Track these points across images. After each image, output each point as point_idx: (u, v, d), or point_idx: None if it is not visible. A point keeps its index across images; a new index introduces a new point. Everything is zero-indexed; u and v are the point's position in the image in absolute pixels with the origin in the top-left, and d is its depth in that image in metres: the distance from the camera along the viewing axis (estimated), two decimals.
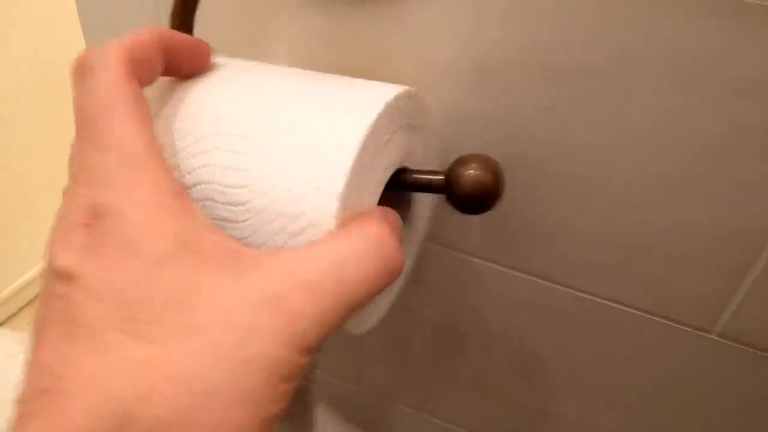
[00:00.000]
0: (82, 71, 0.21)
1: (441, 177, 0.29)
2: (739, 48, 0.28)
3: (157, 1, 0.40)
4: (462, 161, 0.29)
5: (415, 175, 0.30)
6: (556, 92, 0.32)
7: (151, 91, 0.25)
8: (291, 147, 0.24)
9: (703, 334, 0.37)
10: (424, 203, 0.35)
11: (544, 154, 0.35)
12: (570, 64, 0.31)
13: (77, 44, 0.37)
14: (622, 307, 0.39)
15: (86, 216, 0.19)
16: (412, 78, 0.35)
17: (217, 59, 0.28)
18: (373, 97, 0.26)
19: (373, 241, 0.21)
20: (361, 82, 0.28)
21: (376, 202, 0.26)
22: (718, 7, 0.27)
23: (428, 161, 0.33)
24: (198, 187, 0.24)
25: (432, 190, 0.29)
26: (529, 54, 0.32)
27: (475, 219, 0.40)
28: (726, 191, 0.32)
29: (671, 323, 0.38)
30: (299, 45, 0.37)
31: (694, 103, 0.30)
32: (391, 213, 0.26)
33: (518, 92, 0.33)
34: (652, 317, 0.38)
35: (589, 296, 0.39)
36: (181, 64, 0.25)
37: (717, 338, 0.37)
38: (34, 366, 0.18)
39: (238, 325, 0.18)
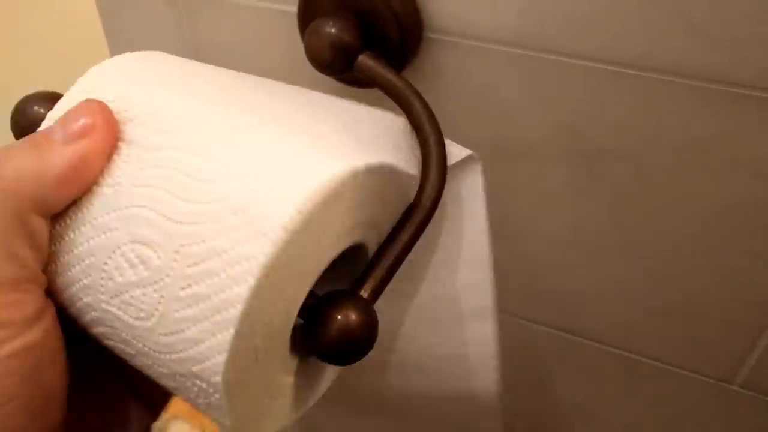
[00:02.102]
0: None
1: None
2: (744, 131, 0.29)
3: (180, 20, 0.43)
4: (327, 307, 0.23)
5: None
6: (573, 170, 0.34)
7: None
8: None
9: (725, 385, 0.38)
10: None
11: (560, 226, 0.36)
12: (584, 145, 0.33)
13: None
14: (645, 360, 0.40)
15: None
16: None
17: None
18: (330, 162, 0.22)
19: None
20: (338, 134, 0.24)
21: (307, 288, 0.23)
22: (724, 96, 0.29)
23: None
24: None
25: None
26: (544, 135, 0.34)
27: (496, 278, 0.42)
28: (739, 259, 0.33)
29: (693, 374, 0.39)
30: None
31: (706, 180, 0.31)
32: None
33: (534, 169, 0.35)
34: (674, 369, 0.39)
35: (612, 349, 0.41)
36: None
37: (738, 389, 0.38)
38: None
39: None
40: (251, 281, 0.20)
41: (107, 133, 0.22)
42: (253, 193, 0.21)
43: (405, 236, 0.26)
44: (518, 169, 0.36)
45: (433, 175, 0.27)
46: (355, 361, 0.23)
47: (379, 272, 0.25)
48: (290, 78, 0.38)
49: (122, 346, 0.23)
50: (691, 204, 0.32)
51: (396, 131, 0.28)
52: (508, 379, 0.47)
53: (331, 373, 0.29)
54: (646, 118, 0.31)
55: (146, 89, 0.25)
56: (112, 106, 0.24)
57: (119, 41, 0.44)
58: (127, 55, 0.27)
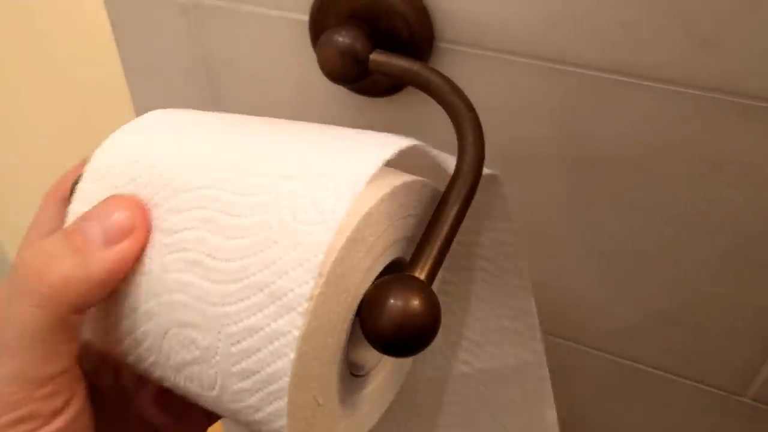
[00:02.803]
0: None
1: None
2: (755, 143, 0.29)
3: (190, 31, 0.43)
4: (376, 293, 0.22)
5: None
6: (584, 179, 0.34)
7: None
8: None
9: (737, 397, 0.38)
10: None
11: (571, 234, 0.36)
12: (596, 155, 0.33)
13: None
14: (654, 370, 0.40)
15: None
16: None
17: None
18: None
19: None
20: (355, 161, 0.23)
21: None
22: (735, 108, 0.29)
23: None
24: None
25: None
26: (555, 145, 0.34)
27: None
28: (749, 269, 0.33)
29: (703, 386, 0.39)
30: None
31: (716, 190, 0.31)
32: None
33: (545, 178, 0.35)
34: (684, 380, 0.39)
35: (620, 359, 0.40)
36: None
37: (750, 401, 0.38)
38: None
39: None
40: (291, 355, 0.20)
41: (146, 232, 0.23)
42: (273, 266, 0.21)
43: (452, 210, 0.24)
44: (528, 179, 0.35)
45: (470, 142, 0.26)
46: (419, 351, 0.22)
47: (431, 251, 0.23)
48: (303, 89, 0.39)
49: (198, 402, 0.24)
50: (700, 214, 0.32)
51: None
52: None
53: (388, 395, 0.30)
54: (656, 129, 0.31)
55: (159, 163, 0.24)
56: (130, 188, 0.24)
57: (131, 51, 0.44)
58: (137, 123, 0.27)
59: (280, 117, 0.41)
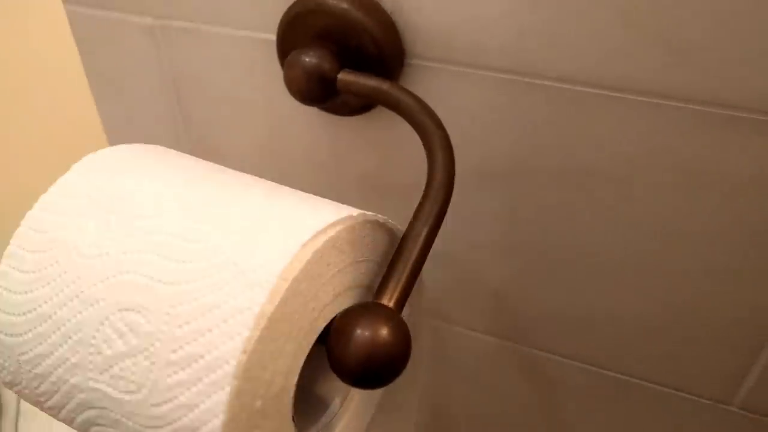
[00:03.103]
0: None
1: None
2: (733, 152, 0.29)
3: (158, 51, 0.42)
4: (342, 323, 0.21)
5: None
6: (563, 193, 0.34)
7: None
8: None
9: (724, 406, 0.37)
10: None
11: (551, 247, 0.36)
12: (572, 167, 0.32)
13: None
14: (641, 382, 0.39)
15: None
16: (413, 181, 0.37)
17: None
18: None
19: None
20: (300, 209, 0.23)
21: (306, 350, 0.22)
22: (710, 117, 0.28)
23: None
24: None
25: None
26: (531, 158, 0.33)
27: (494, 302, 0.41)
28: (732, 279, 0.32)
29: (691, 396, 0.38)
30: (312, 152, 0.39)
31: (693, 200, 0.31)
32: None
33: (524, 191, 0.34)
34: (671, 391, 0.38)
35: (607, 372, 0.40)
36: None
37: (738, 410, 0.37)
38: None
39: None
40: (245, 333, 0.19)
41: None
42: (245, 247, 0.21)
43: (422, 230, 0.24)
44: (504, 192, 0.35)
45: (439, 160, 0.26)
46: (389, 382, 0.21)
47: (401, 275, 0.23)
48: (273, 108, 0.38)
49: (111, 430, 0.22)
50: (682, 224, 0.32)
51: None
52: (505, 401, 0.46)
53: None
54: (632, 141, 0.30)
55: (130, 177, 0.25)
56: (99, 191, 0.24)
57: (98, 73, 0.43)
58: (108, 150, 0.27)
59: (250, 137, 0.40)
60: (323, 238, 0.21)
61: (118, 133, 0.46)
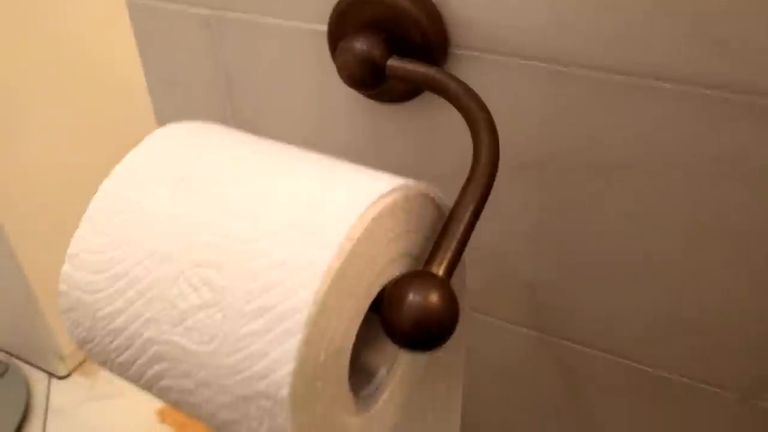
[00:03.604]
0: None
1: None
2: (762, 143, 0.30)
3: (212, 42, 0.44)
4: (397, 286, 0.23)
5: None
6: (596, 185, 0.35)
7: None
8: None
9: (754, 401, 0.38)
10: None
11: (586, 240, 0.37)
12: (607, 158, 0.34)
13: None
14: (669, 375, 0.40)
15: None
16: (452, 170, 0.38)
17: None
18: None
19: None
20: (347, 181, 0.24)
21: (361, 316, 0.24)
22: (747, 108, 0.29)
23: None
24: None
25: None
26: (570, 150, 0.34)
27: (526, 294, 0.42)
28: (761, 273, 0.33)
29: (718, 390, 0.39)
30: (356, 141, 0.40)
31: (729, 193, 0.32)
32: None
33: (560, 184, 0.36)
34: (699, 384, 0.39)
35: (635, 364, 0.41)
36: None
37: (766, 404, 0.38)
38: None
39: None
40: (315, 285, 0.20)
41: None
42: (312, 208, 0.22)
43: (468, 207, 0.25)
44: (542, 183, 0.36)
45: (485, 142, 0.27)
46: (438, 346, 0.22)
47: (449, 246, 0.24)
48: (321, 98, 0.40)
49: (181, 382, 0.23)
50: (713, 217, 0.33)
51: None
52: (534, 393, 0.47)
53: (389, 419, 0.30)
54: (667, 130, 0.31)
55: (197, 148, 0.27)
56: (169, 161, 0.26)
57: (154, 66, 0.46)
58: (175, 125, 0.29)
59: (297, 128, 0.42)
60: (384, 203, 0.23)
61: (168, 121, 0.49)
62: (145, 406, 1.19)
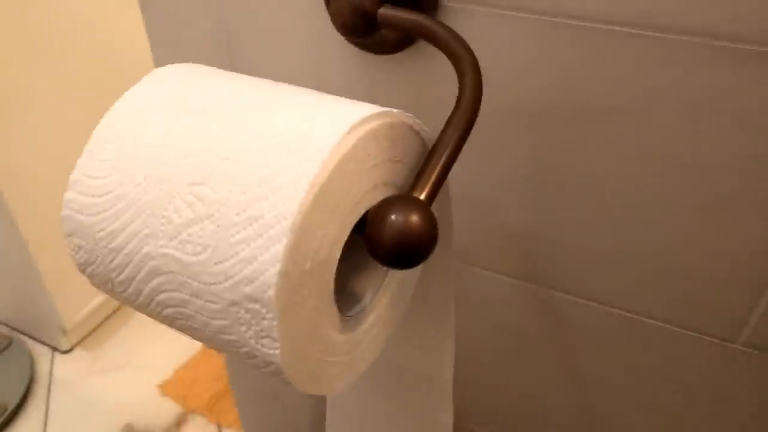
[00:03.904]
0: None
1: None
2: (744, 86, 0.31)
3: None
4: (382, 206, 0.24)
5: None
6: (584, 131, 0.36)
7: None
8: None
9: (729, 344, 0.40)
10: None
11: (571, 185, 0.38)
12: (594, 106, 0.35)
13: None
14: (649, 321, 0.41)
15: None
16: (443, 121, 0.39)
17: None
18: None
19: None
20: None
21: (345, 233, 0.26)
22: (722, 52, 0.31)
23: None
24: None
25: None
26: (555, 97, 0.36)
27: (513, 243, 0.43)
28: (742, 213, 0.35)
29: (696, 334, 0.40)
30: (351, 91, 0.42)
31: (708, 137, 0.33)
32: None
33: (546, 131, 0.37)
34: (678, 329, 0.41)
35: (616, 310, 0.42)
36: None
37: (742, 347, 0.39)
38: None
39: None
40: (301, 195, 0.22)
41: None
42: (300, 129, 0.24)
43: (452, 138, 0.27)
44: (530, 132, 0.38)
45: (469, 79, 0.29)
46: (418, 262, 0.24)
47: (431, 174, 0.26)
48: (316, 48, 0.41)
49: (177, 294, 0.25)
50: (693, 160, 0.34)
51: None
52: (520, 341, 0.48)
53: (376, 343, 0.31)
54: (647, 76, 0.33)
55: (191, 83, 0.28)
56: (164, 96, 0.27)
57: (155, 18, 0.47)
58: (171, 66, 0.30)
59: (293, 79, 0.43)
60: (367, 126, 0.24)
61: None
62: (147, 379, 1.21)
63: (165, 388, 1.19)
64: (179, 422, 1.14)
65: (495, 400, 0.54)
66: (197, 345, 1.28)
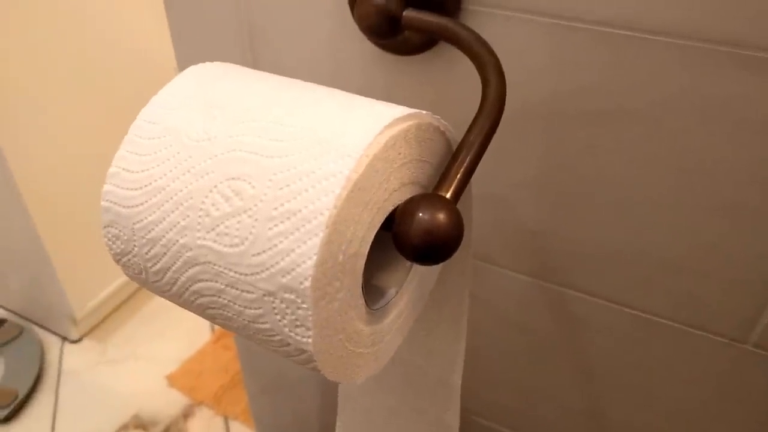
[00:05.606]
0: None
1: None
2: (757, 93, 0.32)
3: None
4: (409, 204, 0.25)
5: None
6: (598, 132, 0.37)
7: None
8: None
9: (739, 344, 0.40)
10: None
11: (585, 186, 0.39)
12: (607, 109, 0.36)
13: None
14: (659, 319, 0.42)
15: None
16: (464, 122, 0.40)
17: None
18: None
19: None
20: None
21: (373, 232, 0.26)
22: (737, 59, 0.31)
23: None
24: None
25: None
26: (571, 99, 0.37)
27: (525, 241, 0.44)
28: (753, 216, 0.35)
29: (708, 334, 0.41)
30: (371, 91, 0.43)
31: (719, 140, 0.34)
32: None
33: (562, 132, 0.38)
34: (687, 328, 0.42)
35: (627, 309, 0.43)
36: None
37: (752, 348, 0.40)
38: None
39: None
40: (336, 191, 0.23)
41: None
42: (334, 128, 0.25)
43: (477, 139, 0.28)
44: (546, 133, 0.38)
45: (493, 81, 0.30)
46: (444, 259, 0.25)
47: (457, 173, 0.27)
48: (339, 49, 0.42)
49: (212, 284, 0.26)
50: (705, 163, 0.35)
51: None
52: (532, 339, 0.49)
53: (397, 337, 0.33)
54: (662, 81, 0.34)
55: (228, 81, 0.29)
56: (203, 92, 0.28)
57: (178, 18, 0.48)
58: (208, 63, 0.31)
59: (316, 78, 0.44)
60: (398, 127, 0.25)
61: None
62: (155, 370, 1.22)
63: (173, 380, 1.21)
64: (186, 413, 1.16)
65: (503, 395, 0.55)
66: (205, 337, 1.29)
